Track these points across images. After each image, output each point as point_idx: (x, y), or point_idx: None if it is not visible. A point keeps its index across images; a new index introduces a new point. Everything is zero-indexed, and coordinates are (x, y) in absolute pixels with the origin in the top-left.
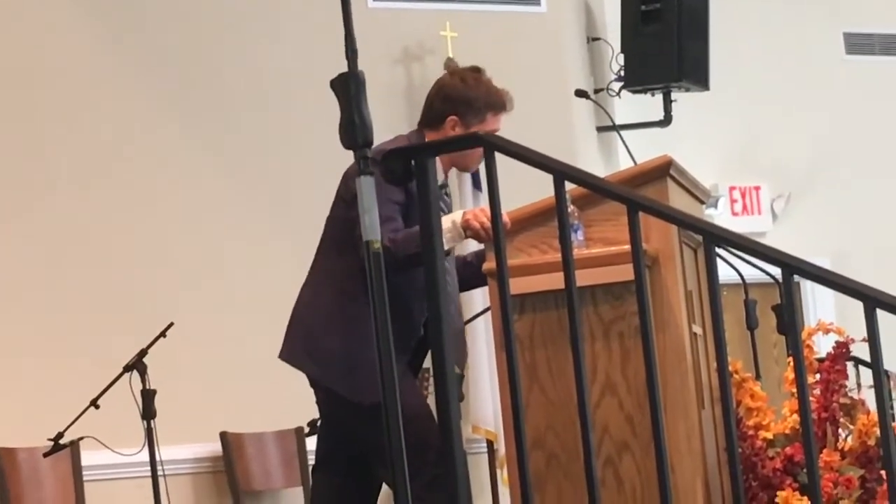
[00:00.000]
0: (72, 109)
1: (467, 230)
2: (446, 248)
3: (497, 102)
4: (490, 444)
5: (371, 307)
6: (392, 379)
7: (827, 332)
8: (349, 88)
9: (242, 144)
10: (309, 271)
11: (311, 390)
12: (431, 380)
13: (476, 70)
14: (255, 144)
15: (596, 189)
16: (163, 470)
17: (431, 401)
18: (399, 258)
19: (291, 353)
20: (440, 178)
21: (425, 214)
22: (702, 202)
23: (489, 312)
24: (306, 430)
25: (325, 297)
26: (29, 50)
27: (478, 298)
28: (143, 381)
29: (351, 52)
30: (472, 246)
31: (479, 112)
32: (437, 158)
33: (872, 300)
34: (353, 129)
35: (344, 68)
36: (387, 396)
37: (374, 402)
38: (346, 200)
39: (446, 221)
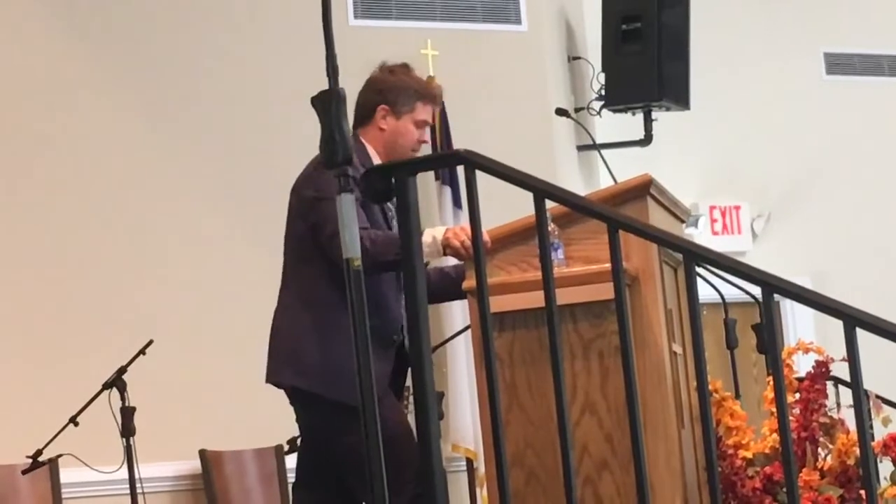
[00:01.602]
0: (52, 129)
1: (447, 248)
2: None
3: (427, 92)
4: (470, 462)
5: (351, 323)
6: (371, 391)
7: (807, 351)
8: (330, 105)
9: (226, 162)
10: (279, 295)
11: (291, 408)
12: (412, 398)
13: (405, 65)
14: (239, 163)
15: (576, 207)
16: (142, 487)
17: (412, 420)
18: (377, 262)
19: (275, 370)
20: None
21: (406, 232)
22: (682, 221)
23: (469, 331)
24: (286, 448)
25: (301, 312)
26: (4, 59)
27: (458, 316)
28: (123, 398)
29: (332, 69)
30: (453, 259)
31: (409, 100)
32: (375, 153)
33: (852, 319)
34: (334, 146)
35: (324, 83)
36: (366, 409)
37: (356, 405)
38: (301, 213)
39: (427, 236)
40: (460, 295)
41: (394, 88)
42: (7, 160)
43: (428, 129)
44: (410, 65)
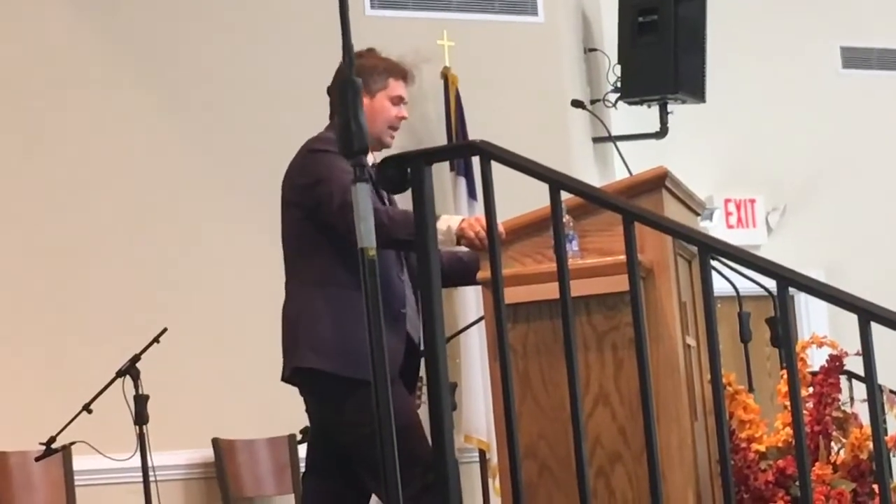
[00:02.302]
0: (69, 123)
1: (462, 238)
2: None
3: (396, 68)
4: (482, 453)
5: (365, 312)
6: (384, 375)
7: (821, 345)
8: (346, 95)
9: (244, 155)
10: (286, 287)
11: (303, 398)
12: (425, 388)
13: (371, 49)
14: (256, 156)
15: (592, 199)
16: (154, 475)
17: (425, 410)
18: (390, 238)
19: (294, 356)
20: (370, 160)
21: (421, 222)
22: (697, 214)
23: (483, 321)
24: (298, 437)
25: (312, 296)
26: (19, 55)
27: (472, 307)
28: (136, 386)
29: (348, 59)
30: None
31: (381, 77)
32: None
33: (866, 313)
34: (350, 136)
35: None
36: (379, 389)
37: (369, 378)
38: (296, 201)
39: (442, 223)
40: (471, 280)
41: (364, 70)
42: (28, 150)
43: (405, 107)
44: (377, 48)
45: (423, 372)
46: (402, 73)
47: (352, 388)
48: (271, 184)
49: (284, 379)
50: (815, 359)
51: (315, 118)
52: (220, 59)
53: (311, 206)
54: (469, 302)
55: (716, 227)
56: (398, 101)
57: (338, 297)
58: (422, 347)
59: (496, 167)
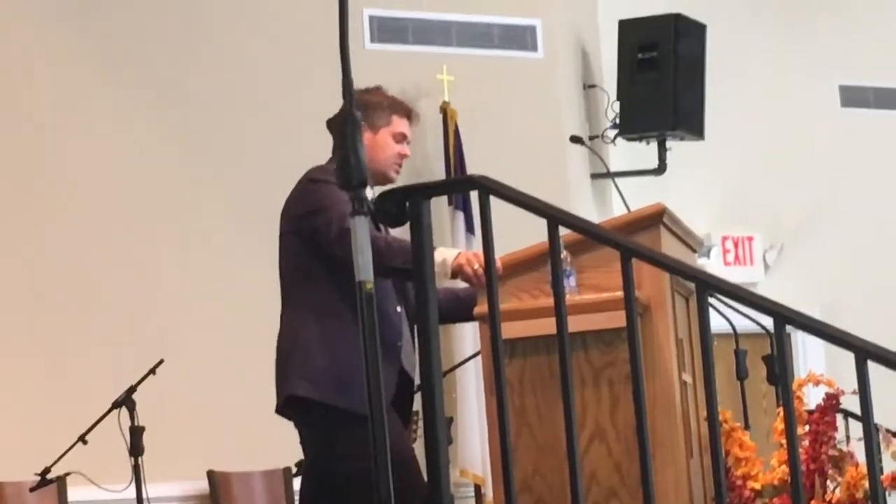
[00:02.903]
0: (63, 145)
1: (459, 273)
2: None
3: (401, 106)
4: (478, 488)
5: (362, 344)
6: (381, 408)
7: (817, 383)
8: (345, 128)
9: (243, 184)
10: (281, 317)
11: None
12: (420, 422)
13: (378, 87)
14: (256, 184)
15: (590, 235)
16: None
17: (420, 444)
18: (385, 266)
19: (287, 385)
20: (369, 193)
21: (420, 256)
22: (694, 251)
23: (479, 356)
24: (294, 470)
25: (307, 326)
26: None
27: (468, 341)
28: (132, 417)
29: (348, 92)
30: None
31: (384, 113)
32: None
33: (863, 352)
34: (349, 169)
35: (339, 106)
36: (375, 422)
37: (365, 413)
38: (295, 229)
39: (437, 255)
40: (468, 317)
41: (368, 106)
42: (14, 174)
43: (407, 145)
44: (376, 82)
45: (418, 405)
46: (406, 112)
47: (345, 420)
48: (271, 217)
49: (278, 410)
50: (812, 397)
51: (313, 148)
52: (223, 90)
53: (309, 235)
54: (466, 336)
55: (713, 265)
56: (401, 138)
57: (332, 328)
58: (417, 381)
59: (494, 202)
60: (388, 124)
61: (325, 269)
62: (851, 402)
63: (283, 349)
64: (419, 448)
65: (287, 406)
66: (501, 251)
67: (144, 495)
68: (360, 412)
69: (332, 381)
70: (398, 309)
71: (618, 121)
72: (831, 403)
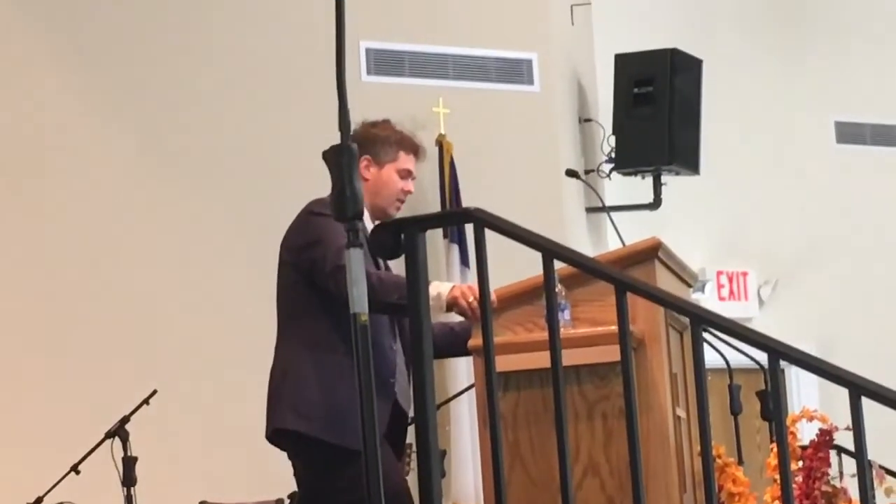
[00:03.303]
0: (54, 166)
1: (454, 306)
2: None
3: (408, 142)
4: None
5: (356, 376)
6: (374, 443)
7: (811, 419)
8: (341, 160)
9: (238, 213)
10: (276, 350)
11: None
12: (414, 455)
13: (386, 120)
14: (251, 213)
15: (584, 268)
16: None
17: (414, 477)
18: (379, 301)
19: (277, 417)
20: (368, 226)
21: (414, 289)
22: (689, 286)
23: (473, 389)
24: (287, 501)
25: (301, 359)
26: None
27: (462, 374)
28: (125, 447)
29: (344, 124)
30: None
31: (391, 149)
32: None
33: (857, 387)
34: (344, 200)
35: (334, 138)
36: (369, 458)
37: (357, 448)
38: (292, 263)
39: (432, 289)
40: (463, 351)
41: (376, 140)
42: (9, 205)
43: (412, 181)
44: (392, 119)
45: (412, 438)
46: (413, 148)
47: (336, 455)
48: (269, 247)
49: (267, 438)
50: (806, 433)
51: (312, 181)
52: (225, 118)
53: (306, 268)
54: (459, 369)
55: (708, 300)
56: (406, 174)
57: (326, 361)
58: (411, 415)
59: (489, 235)
60: (393, 160)
61: (320, 302)
62: (845, 439)
63: (276, 380)
64: (413, 480)
65: (276, 437)
66: (496, 284)
67: None
68: (352, 447)
69: (323, 414)
70: (393, 345)
71: (613, 155)
72: (825, 439)
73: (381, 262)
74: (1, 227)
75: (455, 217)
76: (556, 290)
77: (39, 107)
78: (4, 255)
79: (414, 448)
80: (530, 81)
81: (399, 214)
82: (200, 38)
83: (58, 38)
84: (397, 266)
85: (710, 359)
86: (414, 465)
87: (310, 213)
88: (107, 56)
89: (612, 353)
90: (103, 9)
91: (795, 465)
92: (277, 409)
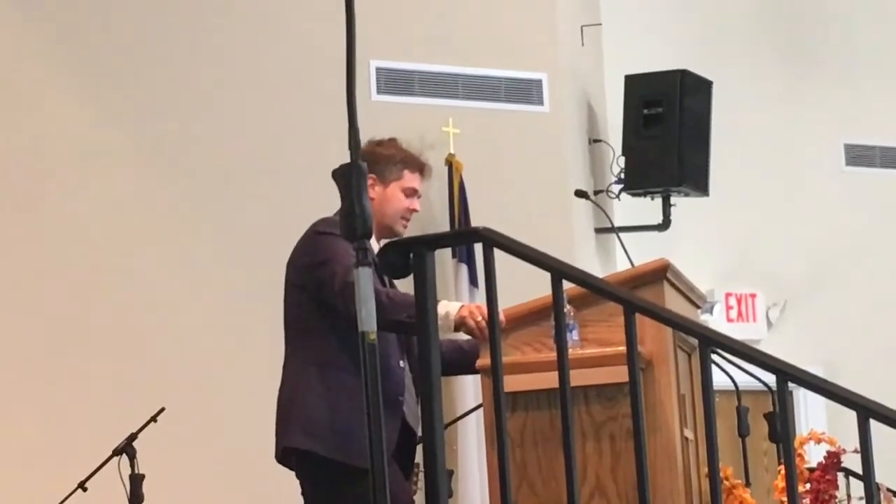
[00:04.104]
0: (61, 193)
1: (462, 326)
2: None
3: (414, 161)
4: None
5: (364, 396)
6: (382, 460)
7: (819, 441)
8: (351, 179)
9: (246, 233)
10: (283, 369)
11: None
12: (422, 475)
13: (393, 139)
14: (260, 234)
15: (593, 289)
16: None
17: (421, 497)
18: (387, 319)
19: (286, 436)
20: (374, 247)
21: (423, 308)
22: (697, 307)
23: (481, 409)
24: None
25: (309, 378)
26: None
27: (470, 394)
28: (132, 465)
29: (354, 143)
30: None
31: (396, 168)
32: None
33: (865, 410)
34: (353, 219)
35: (344, 156)
36: (376, 476)
37: (364, 466)
38: (299, 282)
39: (441, 308)
40: (471, 370)
41: (381, 159)
42: (13, 221)
43: (418, 200)
44: (400, 139)
45: (420, 457)
46: (419, 166)
47: (343, 474)
48: (276, 266)
49: (277, 458)
50: (813, 455)
51: (321, 201)
52: (228, 145)
53: (314, 287)
54: (467, 389)
55: (716, 321)
56: (411, 192)
57: (335, 380)
58: (419, 434)
59: (498, 255)
60: (398, 178)
61: (328, 321)
62: (853, 461)
63: (284, 399)
64: (420, 500)
65: (286, 457)
66: (505, 304)
67: None
68: (360, 465)
69: (331, 433)
70: (401, 364)
71: (623, 176)
72: (832, 461)
73: (386, 280)
74: (6, 243)
75: (464, 237)
76: (565, 310)
77: (39, 108)
78: (9, 271)
79: (421, 467)
80: (540, 102)
81: (408, 233)
82: (209, 52)
83: (59, 42)
84: (405, 285)
85: (719, 380)
86: (421, 484)
87: (316, 233)
88: (110, 62)
89: (620, 374)
90: (105, 12)
91: (803, 488)
92: (286, 429)
